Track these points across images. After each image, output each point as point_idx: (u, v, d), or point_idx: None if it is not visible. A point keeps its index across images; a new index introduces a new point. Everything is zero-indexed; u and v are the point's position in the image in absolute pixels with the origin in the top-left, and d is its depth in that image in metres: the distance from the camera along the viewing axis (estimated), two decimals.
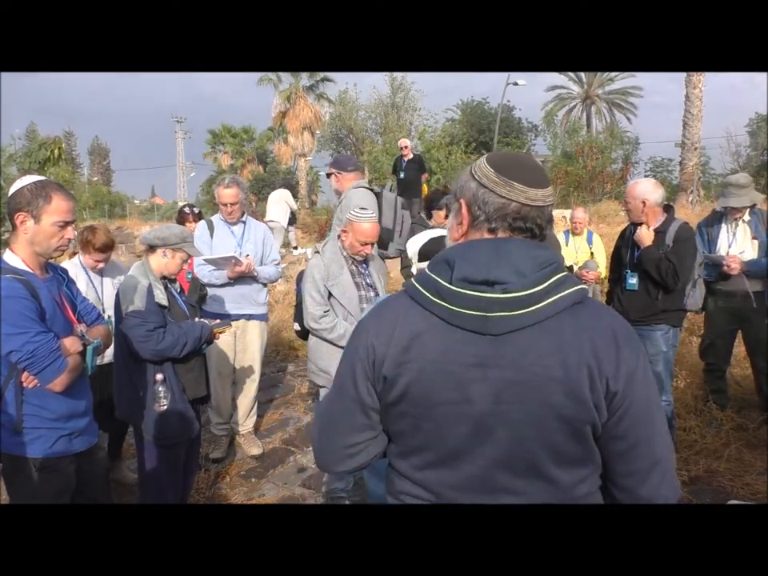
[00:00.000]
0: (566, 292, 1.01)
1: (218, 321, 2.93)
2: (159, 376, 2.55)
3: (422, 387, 1.05)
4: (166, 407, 2.54)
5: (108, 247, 3.22)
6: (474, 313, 1.01)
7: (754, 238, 3.78)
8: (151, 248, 2.66)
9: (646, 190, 3.33)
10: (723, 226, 3.89)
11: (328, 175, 4.02)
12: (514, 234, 1.08)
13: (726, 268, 3.70)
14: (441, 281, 1.05)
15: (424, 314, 1.06)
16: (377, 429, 1.15)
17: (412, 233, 4.08)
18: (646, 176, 24.64)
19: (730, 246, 3.82)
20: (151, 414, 2.56)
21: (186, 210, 4.60)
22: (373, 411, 1.13)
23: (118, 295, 2.62)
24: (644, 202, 3.29)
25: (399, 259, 4.26)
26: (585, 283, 4.43)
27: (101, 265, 3.27)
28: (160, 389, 2.54)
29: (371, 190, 3.80)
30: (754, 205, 3.81)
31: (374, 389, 1.11)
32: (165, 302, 2.60)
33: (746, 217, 3.80)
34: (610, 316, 1.07)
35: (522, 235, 1.08)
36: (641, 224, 3.41)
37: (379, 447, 1.17)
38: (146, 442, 2.63)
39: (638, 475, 1.04)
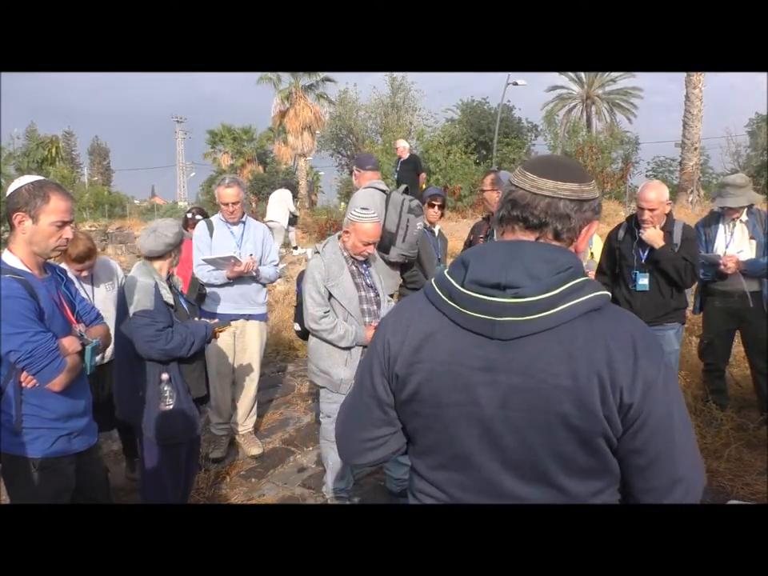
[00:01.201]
0: (582, 298, 0.98)
1: (216, 320, 2.93)
2: (165, 375, 2.54)
3: (432, 388, 1.05)
4: (172, 407, 2.54)
5: (85, 257, 3.04)
6: (483, 317, 0.99)
7: (751, 237, 3.77)
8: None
9: (665, 192, 3.38)
10: (721, 226, 3.89)
11: (350, 172, 4.06)
12: (515, 224, 1.07)
13: (722, 267, 3.71)
14: (453, 282, 1.04)
15: (437, 315, 1.06)
16: (395, 425, 1.16)
17: (422, 244, 4.04)
18: (647, 176, 24.68)
19: (727, 247, 3.82)
20: (155, 413, 2.55)
21: (189, 215, 4.52)
22: (389, 407, 1.14)
23: (121, 294, 2.61)
24: (669, 204, 3.37)
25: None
26: None
27: (84, 273, 3.11)
28: (165, 388, 2.53)
29: (383, 191, 3.77)
30: (752, 205, 3.81)
31: (389, 386, 1.12)
32: (172, 301, 2.60)
33: (744, 217, 3.80)
34: (631, 324, 1.01)
35: (520, 224, 1.06)
36: (639, 225, 3.43)
37: (399, 443, 1.18)
38: (148, 442, 2.62)
39: (657, 492, 1.00)
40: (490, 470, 1.03)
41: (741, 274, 3.73)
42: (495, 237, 1.16)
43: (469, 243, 4.17)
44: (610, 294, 1.04)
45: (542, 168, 1.07)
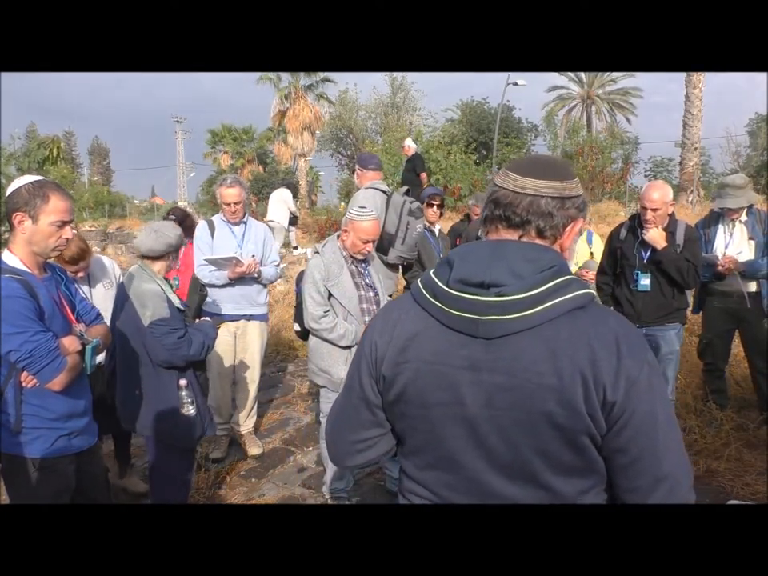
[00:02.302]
0: (566, 297, 0.98)
1: (206, 318, 2.91)
2: (183, 381, 2.52)
3: (418, 387, 1.06)
4: (193, 412, 2.52)
5: (79, 259, 2.96)
6: (467, 315, 1.00)
7: (750, 238, 3.78)
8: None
9: (669, 192, 3.38)
10: (720, 226, 3.89)
11: (352, 171, 4.05)
12: (498, 223, 1.08)
13: (720, 268, 3.71)
14: (438, 282, 1.05)
15: (423, 315, 1.07)
16: (385, 426, 1.16)
17: (423, 244, 4.03)
18: (645, 176, 24.66)
19: (726, 247, 3.83)
20: (176, 420, 2.53)
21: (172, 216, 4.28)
22: (377, 409, 1.14)
23: (119, 293, 2.59)
24: (672, 205, 3.39)
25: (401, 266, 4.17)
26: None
27: (80, 274, 3.05)
28: (184, 394, 2.51)
29: (384, 192, 3.77)
30: (752, 205, 3.81)
31: (377, 386, 1.12)
32: (181, 306, 2.58)
33: (744, 217, 3.81)
34: (615, 323, 1.01)
35: (503, 223, 1.07)
36: (641, 225, 3.43)
37: (389, 444, 1.18)
38: (161, 449, 2.59)
39: (640, 491, 1.00)
40: (476, 470, 1.04)
41: (739, 275, 3.74)
42: (481, 237, 1.17)
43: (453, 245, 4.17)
44: (594, 292, 1.04)
45: (524, 167, 1.08)
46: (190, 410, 2.51)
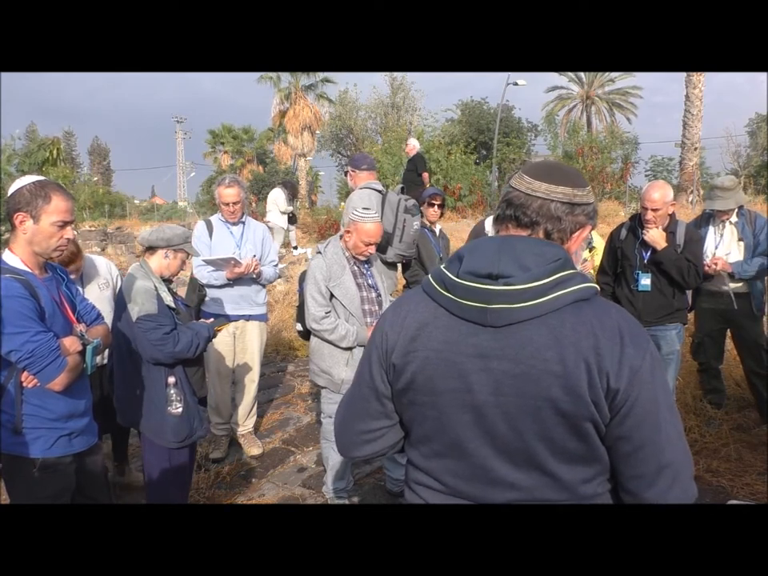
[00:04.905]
0: (571, 288, 1.02)
1: (212, 319, 2.91)
2: (172, 379, 2.52)
3: (427, 375, 1.08)
4: (180, 410, 2.53)
5: (69, 262, 2.88)
6: (476, 304, 1.03)
7: (740, 239, 3.79)
8: (151, 249, 2.64)
9: (670, 193, 3.38)
10: (711, 227, 3.91)
11: (345, 173, 4.01)
12: (509, 223, 1.12)
13: (706, 268, 3.72)
14: (449, 274, 1.08)
15: (432, 306, 1.10)
16: (393, 418, 1.19)
17: (423, 243, 4.02)
18: (645, 176, 24.64)
19: (716, 248, 3.85)
20: (162, 417, 2.53)
21: None
22: (386, 399, 1.17)
23: (120, 295, 2.60)
24: (673, 205, 3.39)
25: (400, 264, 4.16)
26: None
27: (73, 276, 2.91)
28: (172, 392, 2.51)
29: (379, 191, 3.76)
30: (742, 206, 3.83)
31: (386, 376, 1.15)
32: (173, 304, 2.59)
33: (734, 218, 3.83)
34: (618, 315, 1.04)
35: (513, 223, 1.11)
36: (642, 225, 3.43)
37: (396, 436, 1.21)
38: (153, 445, 2.60)
39: (643, 479, 1.02)
40: (482, 456, 1.06)
41: (726, 276, 3.75)
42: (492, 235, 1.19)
43: None
44: (597, 286, 1.08)
45: (538, 171, 1.12)
46: (177, 408, 2.51)
